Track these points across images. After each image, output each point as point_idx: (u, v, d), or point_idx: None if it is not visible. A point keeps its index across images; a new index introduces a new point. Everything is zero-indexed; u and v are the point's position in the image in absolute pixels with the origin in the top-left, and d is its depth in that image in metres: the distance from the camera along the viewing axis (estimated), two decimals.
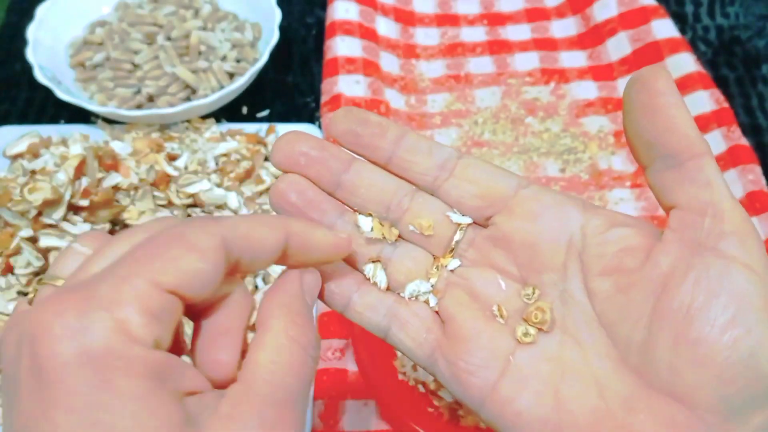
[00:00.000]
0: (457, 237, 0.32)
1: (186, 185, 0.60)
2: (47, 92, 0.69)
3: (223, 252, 0.26)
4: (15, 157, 0.63)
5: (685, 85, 0.70)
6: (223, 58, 0.74)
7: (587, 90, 0.75)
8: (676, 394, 0.27)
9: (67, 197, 0.55)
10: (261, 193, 0.64)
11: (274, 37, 0.72)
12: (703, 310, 0.26)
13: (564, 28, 0.81)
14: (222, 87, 0.71)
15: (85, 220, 0.57)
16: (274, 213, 0.33)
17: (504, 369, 0.30)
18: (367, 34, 0.77)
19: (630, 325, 0.28)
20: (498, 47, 0.79)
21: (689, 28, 0.81)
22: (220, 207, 0.61)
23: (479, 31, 0.81)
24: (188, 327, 0.29)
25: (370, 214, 0.33)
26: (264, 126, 0.70)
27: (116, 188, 0.59)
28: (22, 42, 0.71)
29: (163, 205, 0.60)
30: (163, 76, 0.71)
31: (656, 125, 0.28)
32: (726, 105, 0.69)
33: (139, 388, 0.23)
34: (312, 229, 0.30)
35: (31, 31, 0.71)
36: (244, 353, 0.28)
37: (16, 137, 0.64)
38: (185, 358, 0.27)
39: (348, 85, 0.72)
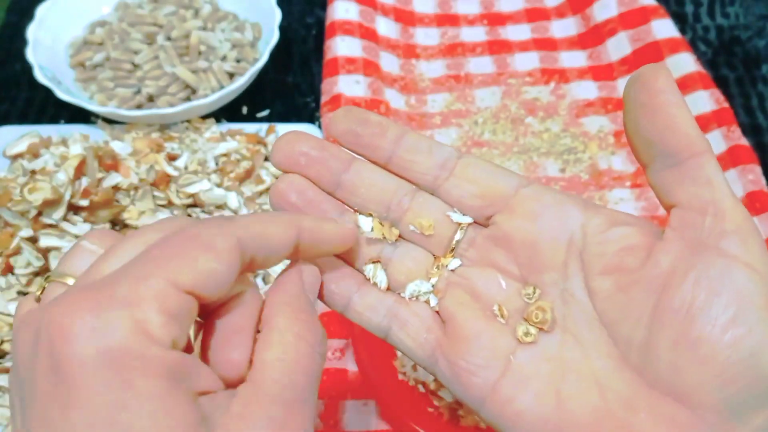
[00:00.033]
0: (457, 236, 0.32)
1: (186, 185, 0.60)
2: (47, 92, 0.69)
3: (238, 252, 0.26)
4: (15, 157, 0.63)
5: (685, 85, 0.70)
6: (223, 58, 0.74)
7: (587, 90, 0.75)
8: (677, 393, 0.27)
9: (67, 197, 0.55)
10: (261, 193, 0.64)
11: (274, 37, 0.72)
12: (704, 309, 0.26)
13: (564, 28, 0.81)
14: (222, 87, 0.71)
15: (85, 220, 0.57)
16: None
17: (505, 369, 0.30)
18: (367, 34, 0.77)
19: (631, 324, 0.28)
20: (498, 47, 0.79)
21: (689, 28, 0.81)
22: (220, 207, 0.61)
23: (479, 31, 0.81)
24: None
25: (371, 214, 0.33)
26: (264, 126, 0.70)
27: (116, 188, 0.59)
28: (22, 42, 0.71)
29: (163, 205, 0.60)
30: (163, 76, 0.71)
31: (656, 124, 0.28)
32: (726, 105, 0.69)
33: (156, 388, 0.23)
34: (321, 224, 0.31)
35: (31, 31, 0.71)
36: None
37: (16, 137, 0.64)
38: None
39: (348, 85, 0.72)
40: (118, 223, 0.59)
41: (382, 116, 0.33)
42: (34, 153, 0.62)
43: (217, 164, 0.65)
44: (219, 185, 0.63)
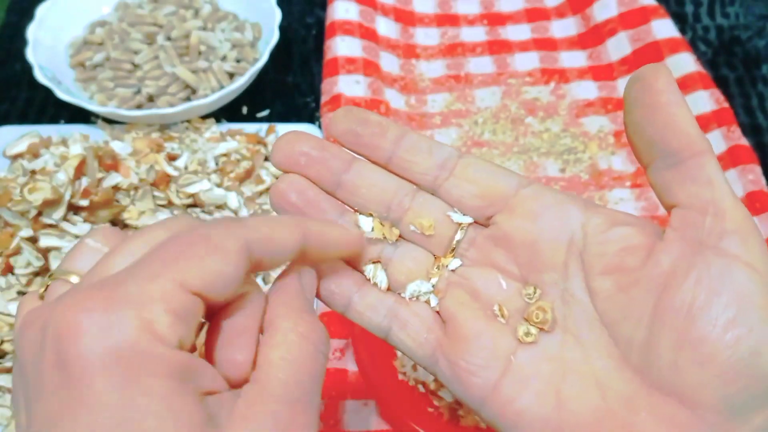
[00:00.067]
0: (457, 236, 0.32)
1: (186, 185, 0.60)
2: (47, 92, 0.69)
3: (246, 254, 0.27)
4: (15, 157, 0.63)
5: (685, 85, 0.70)
6: (223, 58, 0.74)
7: (587, 90, 0.75)
8: (678, 393, 0.27)
9: (67, 197, 0.55)
10: (261, 193, 0.64)
11: (274, 37, 0.72)
12: (704, 309, 0.26)
13: (564, 28, 0.81)
14: (222, 87, 0.71)
15: (85, 220, 0.57)
16: (275, 213, 0.33)
17: (505, 369, 0.30)
18: (367, 34, 0.77)
19: (631, 324, 0.28)
20: (498, 47, 0.79)
21: (689, 28, 0.81)
22: (220, 207, 0.61)
23: (479, 31, 0.81)
24: None
25: (371, 214, 0.33)
26: (264, 126, 0.70)
27: (116, 188, 0.59)
28: (22, 42, 0.71)
29: (163, 205, 0.60)
30: (163, 76, 0.71)
31: (657, 123, 0.28)
32: (726, 105, 0.69)
33: (164, 388, 0.23)
34: (328, 228, 0.31)
35: (31, 31, 0.71)
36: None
37: (16, 137, 0.64)
38: None
39: (348, 85, 0.72)
40: (118, 223, 0.59)
41: (382, 116, 0.33)
42: (34, 153, 0.62)
43: (217, 164, 0.65)
44: (219, 185, 0.63)
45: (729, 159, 0.65)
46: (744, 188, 0.63)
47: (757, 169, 0.64)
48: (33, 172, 0.58)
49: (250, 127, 0.70)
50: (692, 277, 0.27)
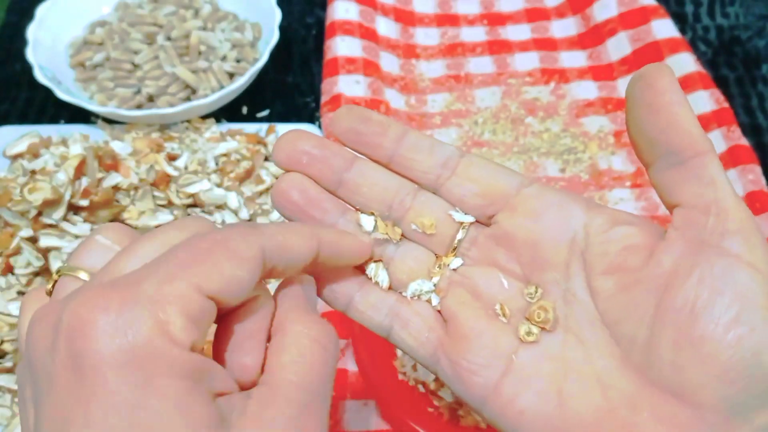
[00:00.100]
0: (459, 236, 0.32)
1: (186, 185, 0.60)
2: (47, 92, 0.69)
3: (261, 261, 0.27)
4: (15, 157, 0.63)
5: (685, 85, 0.70)
6: (223, 58, 0.74)
7: (587, 90, 0.75)
8: (679, 392, 0.27)
9: (67, 197, 0.55)
10: (261, 193, 0.64)
11: (274, 37, 0.72)
12: (706, 308, 0.26)
13: (564, 28, 0.81)
14: (222, 87, 0.71)
15: (85, 220, 0.57)
16: (277, 212, 0.33)
17: (507, 368, 0.30)
18: (367, 34, 0.77)
19: (633, 323, 0.28)
20: (498, 47, 0.79)
21: (689, 28, 0.81)
22: (220, 207, 0.61)
23: (479, 31, 0.81)
24: None
25: (373, 213, 0.33)
26: (264, 126, 0.70)
27: (116, 188, 0.58)
28: (22, 42, 0.71)
29: (163, 205, 0.60)
30: (163, 76, 0.71)
31: (659, 123, 0.28)
32: (726, 105, 0.69)
33: (177, 389, 0.23)
34: (341, 237, 0.31)
35: (31, 31, 0.71)
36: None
37: (16, 137, 0.64)
38: None
39: (348, 85, 0.72)
40: None
41: (383, 115, 0.33)
42: (34, 153, 0.62)
43: (217, 164, 0.65)
44: (219, 185, 0.63)
45: (729, 159, 0.65)
46: (744, 188, 0.63)
47: (757, 169, 0.64)
48: (33, 172, 0.58)
49: (250, 127, 0.70)
50: (694, 276, 0.27)
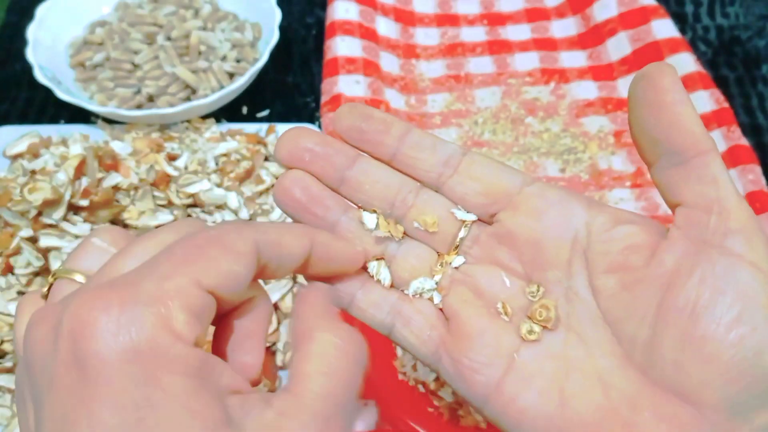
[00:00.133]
0: (461, 234, 0.32)
1: (186, 185, 0.60)
2: (47, 92, 0.69)
3: (255, 256, 0.27)
4: (15, 157, 0.63)
5: (685, 85, 0.69)
6: (223, 58, 0.74)
7: (587, 90, 0.75)
8: (681, 392, 0.27)
9: (67, 197, 0.55)
10: (261, 193, 0.64)
11: (274, 37, 0.72)
12: (708, 307, 0.26)
13: (564, 28, 0.81)
14: (222, 87, 0.71)
15: (85, 220, 0.57)
16: (279, 211, 0.33)
17: (508, 366, 0.30)
18: (367, 34, 0.77)
19: (635, 322, 0.28)
20: (498, 47, 0.79)
21: (689, 28, 0.81)
22: (220, 207, 0.61)
23: (479, 31, 0.81)
24: None
25: (375, 211, 0.33)
26: (264, 126, 0.70)
27: (116, 188, 0.58)
28: (22, 42, 0.71)
29: (163, 205, 0.60)
30: (163, 76, 0.71)
31: (662, 122, 0.28)
32: (726, 105, 0.69)
33: (182, 386, 0.23)
34: (334, 241, 0.31)
35: (31, 31, 0.71)
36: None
37: (16, 137, 0.64)
38: None
39: (348, 85, 0.72)
40: (118, 223, 0.59)
41: (386, 113, 0.33)
42: (34, 153, 0.62)
43: (217, 164, 0.65)
44: (219, 185, 0.63)
45: (729, 159, 0.65)
46: (744, 188, 0.63)
47: (757, 169, 0.64)
48: (33, 172, 0.58)
49: (250, 127, 0.70)
50: (696, 275, 0.27)
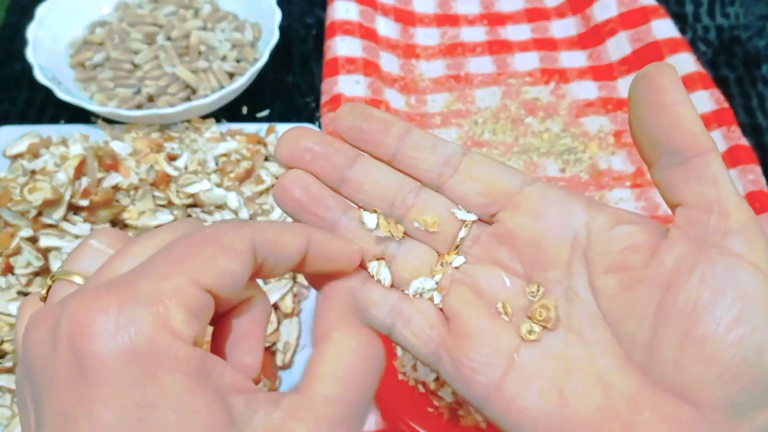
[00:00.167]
0: (461, 234, 0.32)
1: (186, 185, 0.60)
2: (47, 92, 0.69)
3: (252, 254, 0.27)
4: (15, 157, 0.63)
5: (685, 85, 0.69)
6: (223, 58, 0.73)
7: (587, 90, 0.75)
8: (681, 392, 0.27)
9: (67, 197, 0.55)
10: (261, 193, 0.64)
11: (274, 37, 0.72)
12: (708, 307, 0.26)
13: (564, 28, 0.81)
14: (222, 87, 0.71)
15: (85, 220, 0.57)
16: (279, 210, 0.33)
17: (508, 366, 0.30)
18: (367, 34, 0.77)
19: (635, 322, 0.28)
20: (498, 47, 0.79)
21: (689, 28, 0.81)
22: (220, 207, 0.61)
23: (479, 31, 0.81)
24: None
25: (375, 211, 0.33)
26: (264, 126, 0.70)
27: (116, 188, 0.58)
28: (22, 42, 0.71)
29: (163, 205, 0.60)
30: (163, 76, 0.71)
31: (662, 122, 0.28)
32: (726, 105, 0.69)
33: (183, 385, 0.23)
34: (330, 240, 0.31)
35: (31, 31, 0.71)
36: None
37: (16, 137, 0.64)
38: None
39: (348, 85, 0.72)
40: (118, 223, 0.59)
41: (386, 113, 0.33)
42: (34, 153, 0.62)
43: (217, 164, 0.65)
44: (219, 185, 0.63)
45: (729, 159, 0.65)
46: (744, 188, 0.63)
47: (757, 169, 0.64)
48: (33, 172, 0.58)
49: (250, 127, 0.70)
50: (696, 276, 0.27)
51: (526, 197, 0.31)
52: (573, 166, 0.69)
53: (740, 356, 0.26)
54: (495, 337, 0.30)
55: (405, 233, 0.33)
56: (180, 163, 0.64)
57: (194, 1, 0.77)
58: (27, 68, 0.69)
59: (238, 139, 0.68)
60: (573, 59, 0.78)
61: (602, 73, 0.76)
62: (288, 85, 0.77)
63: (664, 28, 0.75)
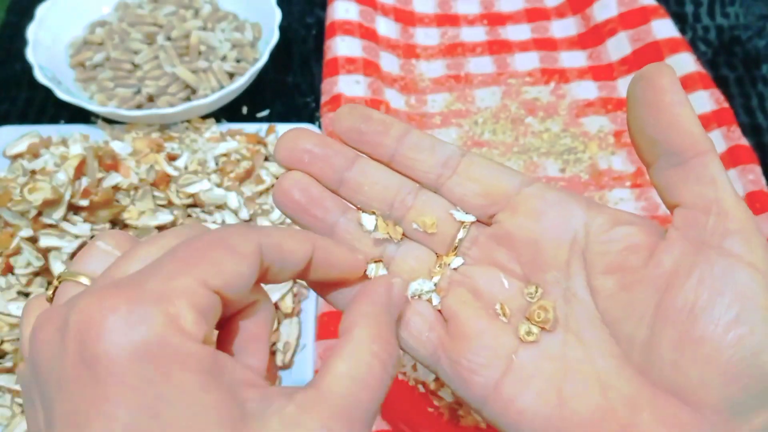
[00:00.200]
0: (460, 235, 0.32)
1: (186, 185, 0.60)
2: (47, 92, 0.69)
3: (259, 257, 0.27)
4: (15, 157, 0.63)
5: (685, 85, 0.70)
6: (223, 58, 0.74)
7: (587, 90, 0.75)
8: (680, 392, 0.27)
9: (67, 197, 0.55)
10: (261, 193, 0.64)
11: (274, 37, 0.72)
12: (707, 308, 0.26)
13: (564, 28, 0.81)
14: (222, 87, 0.71)
15: (85, 220, 0.57)
16: (278, 212, 0.33)
17: (507, 368, 0.30)
18: (367, 34, 0.77)
19: (633, 323, 0.28)
20: (498, 47, 0.79)
21: (689, 28, 0.81)
22: (220, 207, 0.61)
23: (479, 31, 0.81)
24: None
25: (374, 213, 0.33)
26: (264, 126, 0.70)
27: (116, 188, 0.58)
28: (22, 42, 0.71)
29: (163, 205, 0.60)
30: (163, 76, 0.71)
31: (660, 123, 0.28)
32: (726, 105, 0.69)
33: (195, 382, 0.23)
34: (335, 247, 0.31)
35: (31, 31, 0.71)
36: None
37: (16, 137, 0.64)
38: None
39: (348, 85, 0.72)
40: (118, 223, 0.59)
41: (385, 114, 0.33)
42: (34, 153, 0.62)
43: (217, 164, 0.65)
44: (219, 185, 0.63)
45: (729, 159, 0.65)
46: (744, 188, 0.63)
47: (757, 169, 0.64)
48: (33, 172, 0.58)
49: (250, 127, 0.70)
50: (694, 276, 0.27)
51: (525, 198, 0.31)
52: (573, 166, 0.69)
53: (739, 357, 0.26)
54: (493, 338, 0.30)
55: (403, 235, 0.33)
56: (180, 163, 0.64)
57: (194, 1, 0.77)
58: (27, 68, 0.69)
59: (238, 139, 0.68)
60: (573, 59, 0.78)
61: (602, 73, 0.76)
62: (288, 85, 0.77)
63: (664, 28, 0.75)
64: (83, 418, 0.23)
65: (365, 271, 0.33)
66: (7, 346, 0.53)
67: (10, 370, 0.52)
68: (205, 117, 0.71)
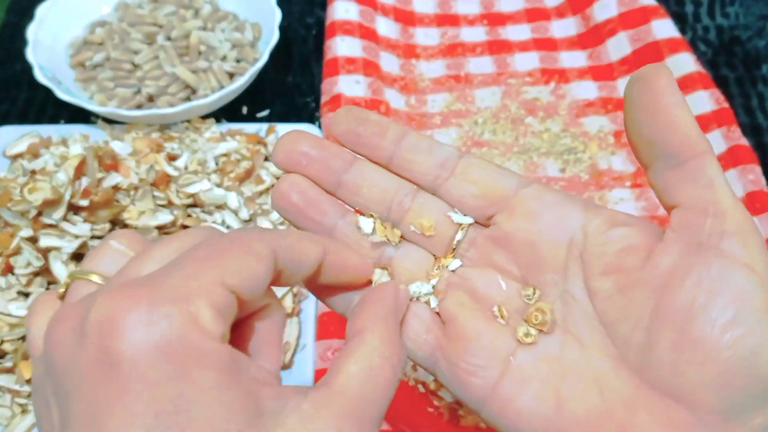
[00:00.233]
0: (458, 237, 0.32)
1: (186, 185, 0.60)
2: (47, 92, 0.69)
3: (273, 260, 0.27)
4: (15, 157, 0.63)
5: (685, 85, 0.70)
6: (223, 58, 0.74)
7: (587, 90, 0.75)
8: (677, 393, 0.27)
9: (67, 197, 0.55)
10: (261, 193, 0.64)
11: (274, 37, 0.72)
12: (704, 309, 0.26)
13: (564, 28, 0.81)
14: (222, 87, 0.71)
15: (85, 220, 0.57)
16: (275, 213, 0.33)
17: (505, 369, 0.30)
18: (367, 34, 0.77)
19: (631, 324, 0.28)
20: (498, 47, 0.79)
21: (689, 28, 0.81)
22: (220, 207, 0.61)
23: (479, 31, 0.81)
24: None
25: (372, 215, 0.33)
26: (264, 126, 0.70)
27: (116, 188, 0.58)
28: (22, 42, 0.71)
29: (163, 205, 0.60)
30: (163, 76, 0.71)
31: (657, 124, 0.28)
32: (726, 105, 0.69)
33: (215, 380, 0.23)
34: (345, 250, 0.31)
35: (31, 31, 0.71)
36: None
37: (16, 137, 0.64)
38: None
39: (348, 85, 0.72)
40: (118, 223, 0.59)
41: (382, 116, 0.33)
42: (34, 153, 0.62)
43: (217, 164, 0.65)
44: (219, 185, 0.63)
45: (729, 159, 0.65)
46: (744, 188, 0.63)
47: (757, 169, 0.64)
48: (33, 172, 0.58)
49: (250, 127, 0.70)
50: (692, 278, 0.27)
51: (523, 200, 0.31)
52: (573, 166, 0.69)
53: (735, 358, 0.26)
54: (491, 340, 0.30)
55: (401, 237, 0.33)
56: (180, 163, 0.64)
57: (194, 1, 0.77)
58: (27, 68, 0.69)
59: (238, 139, 0.68)
60: (573, 59, 0.78)
61: (602, 73, 0.76)
62: (288, 85, 0.77)
63: (664, 28, 0.75)
64: (102, 415, 0.23)
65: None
66: (7, 346, 0.53)
67: (10, 370, 0.53)
68: (205, 117, 0.71)
